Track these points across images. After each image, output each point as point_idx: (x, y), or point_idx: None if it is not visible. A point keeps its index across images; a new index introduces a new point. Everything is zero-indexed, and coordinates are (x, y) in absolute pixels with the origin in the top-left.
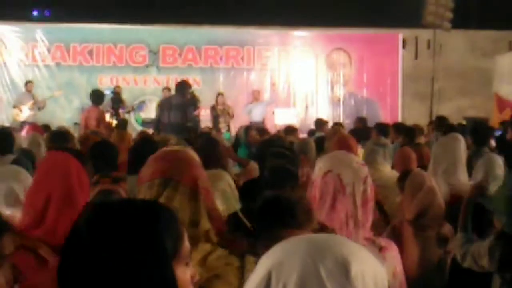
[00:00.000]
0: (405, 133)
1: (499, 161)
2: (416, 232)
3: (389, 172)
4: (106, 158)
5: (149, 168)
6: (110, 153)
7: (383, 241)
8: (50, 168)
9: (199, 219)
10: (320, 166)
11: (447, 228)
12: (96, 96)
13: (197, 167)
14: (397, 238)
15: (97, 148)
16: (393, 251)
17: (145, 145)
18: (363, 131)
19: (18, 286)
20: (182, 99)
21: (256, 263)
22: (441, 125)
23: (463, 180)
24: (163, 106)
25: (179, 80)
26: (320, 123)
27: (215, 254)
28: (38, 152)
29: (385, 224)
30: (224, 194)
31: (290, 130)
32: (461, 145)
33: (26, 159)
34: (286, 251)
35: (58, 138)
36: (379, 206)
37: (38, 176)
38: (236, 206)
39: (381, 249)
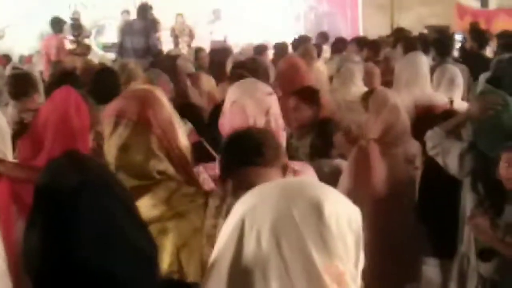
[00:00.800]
0: (369, 47)
1: (456, 71)
2: (382, 150)
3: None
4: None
5: (111, 105)
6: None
7: (297, 164)
8: (50, 101)
9: (149, 158)
10: (229, 95)
11: (414, 145)
12: (56, 23)
13: (154, 106)
14: (364, 157)
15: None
16: (308, 173)
17: (105, 76)
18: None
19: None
20: (143, 23)
21: (220, 199)
22: (399, 37)
23: (427, 91)
24: (124, 31)
25: (137, 2)
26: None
27: (179, 192)
28: None
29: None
30: None
31: (261, 48)
32: (423, 59)
33: None
34: (258, 196)
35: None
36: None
37: (39, 112)
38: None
39: (295, 172)
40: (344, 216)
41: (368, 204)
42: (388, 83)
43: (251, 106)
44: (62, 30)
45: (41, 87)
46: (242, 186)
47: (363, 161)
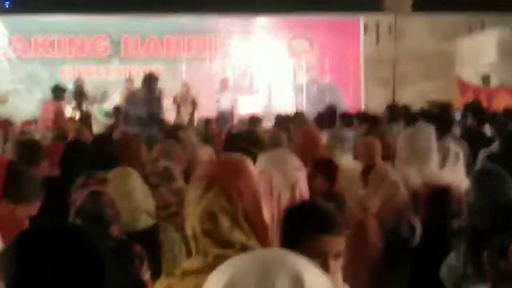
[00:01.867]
0: (370, 122)
1: (457, 148)
2: (380, 226)
3: (348, 163)
4: (108, 153)
5: (201, 170)
6: (111, 148)
7: None
8: None
9: (235, 227)
10: (258, 163)
11: (412, 220)
12: (56, 90)
13: (245, 177)
14: (362, 231)
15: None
16: None
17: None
18: (328, 118)
19: None
20: (147, 93)
21: None
22: (394, 116)
23: (435, 169)
24: (128, 99)
25: (141, 70)
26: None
27: None
28: None
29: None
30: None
31: (255, 120)
32: (428, 133)
33: None
34: (238, 269)
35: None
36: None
37: None
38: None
39: None
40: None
41: (364, 277)
42: (383, 158)
43: (278, 178)
44: (63, 96)
45: None
46: (312, 254)
47: (360, 235)
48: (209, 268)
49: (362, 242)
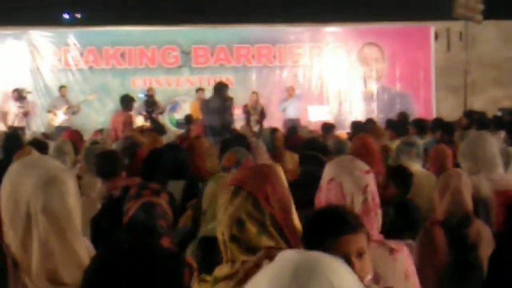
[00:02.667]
0: (443, 128)
1: None
2: (446, 233)
3: (417, 170)
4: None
5: (232, 175)
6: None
7: (393, 243)
8: None
9: (262, 233)
10: (326, 172)
11: (478, 225)
12: (125, 100)
13: (274, 183)
14: (429, 240)
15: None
16: (403, 252)
17: (172, 151)
18: (401, 125)
19: None
20: (219, 102)
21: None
22: (472, 120)
23: (503, 174)
24: (202, 109)
25: (211, 80)
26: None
27: None
28: (65, 159)
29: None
30: None
31: (328, 127)
32: (490, 140)
33: None
34: (270, 280)
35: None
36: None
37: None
38: None
39: (391, 251)
40: None
41: (433, 284)
42: (459, 165)
43: (348, 184)
44: (131, 106)
45: None
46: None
47: (428, 244)
48: (237, 274)
49: (430, 249)
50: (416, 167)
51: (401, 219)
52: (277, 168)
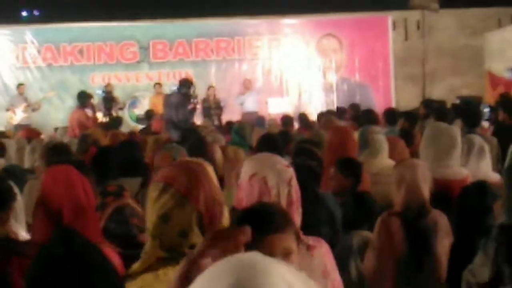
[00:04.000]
0: (406, 118)
1: (483, 142)
2: (403, 224)
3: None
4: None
5: (161, 171)
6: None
7: (311, 239)
8: (55, 183)
9: (187, 231)
10: (246, 169)
11: (435, 215)
12: (81, 97)
13: (204, 182)
14: (386, 229)
15: (121, 149)
16: (322, 248)
17: (128, 147)
18: (363, 117)
19: None
20: (179, 97)
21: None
22: (430, 110)
23: (454, 167)
24: (164, 103)
25: (171, 74)
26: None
27: None
28: (23, 158)
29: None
30: None
31: (288, 120)
32: (451, 134)
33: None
34: (211, 279)
35: (56, 152)
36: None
37: (43, 192)
38: None
39: (308, 247)
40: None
41: (391, 273)
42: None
43: (273, 177)
44: (88, 103)
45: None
46: None
47: (385, 235)
48: (150, 270)
49: (386, 240)
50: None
51: (358, 210)
52: (207, 166)
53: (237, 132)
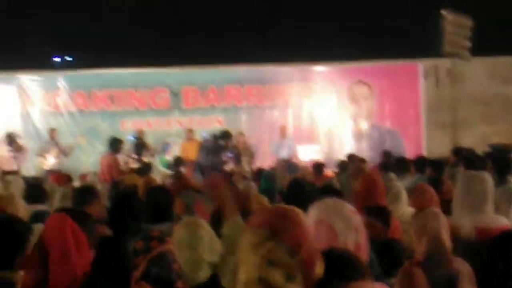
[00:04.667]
0: (432, 166)
1: None
2: (425, 274)
3: (408, 209)
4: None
5: (259, 216)
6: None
7: (378, 285)
8: (48, 228)
9: (290, 279)
10: (312, 214)
11: (458, 264)
12: (111, 142)
13: (306, 230)
14: (409, 280)
15: (151, 195)
16: None
17: (158, 193)
18: (391, 164)
19: None
20: (213, 143)
21: None
22: (461, 157)
23: (489, 214)
24: (200, 148)
25: (202, 121)
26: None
27: None
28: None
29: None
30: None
31: (319, 166)
32: (485, 181)
33: None
34: None
35: (81, 195)
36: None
37: (40, 237)
38: None
39: None
40: None
41: None
42: (450, 202)
43: (340, 224)
44: (119, 149)
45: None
46: None
47: (407, 284)
48: None
49: None
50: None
51: (385, 258)
52: (303, 214)
53: (266, 178)
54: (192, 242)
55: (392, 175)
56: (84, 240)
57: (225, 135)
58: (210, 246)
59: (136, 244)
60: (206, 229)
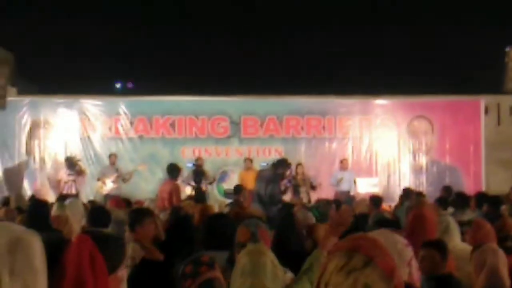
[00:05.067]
0: (489, 202)
1: None
2: None
3: (459, 244)
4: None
5: (346, 241)
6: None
7: None
8: (69, 249)
9: None
10: None
11: None
12: (171, 169)
13: (393, 257)
14: None
15: (212, 223)
16: None
17: (218, 221)
18: (448, 200)
19: None
20: (272, 173)
21: None
22: None
23: None
24: (257, 177)
25: (260, 150)
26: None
27: None
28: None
29: None
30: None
31: (377, 200)
32: None
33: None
34: None
35: (134, 215)
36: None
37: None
38: None
39: None
40: None
41: None
42: (506, 238)
43: (393, 257)
44: (178, 175)
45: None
46: None
47: None
48: None
49: None
50: (456, 241)
51: None
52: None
53: (317, 208)
54: (255, 269)
55: (447, 210)
56: (101, 266)
57: (283, 163)
58: (273, 274)
59: (186, 268)
60: (269, 257)
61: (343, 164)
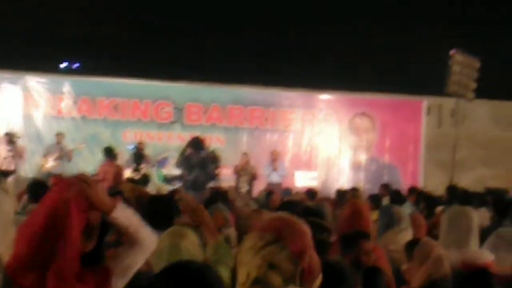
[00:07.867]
0: (426, 202)
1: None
2: None
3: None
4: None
5: (265, 221)
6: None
7: None
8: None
9: (288, 283)
10: None
11: None
12: (108, 151)
13: (308, 240)
14: None
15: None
16: None
17: (158, 204)
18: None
19: None
20: (201, 157)
21: None
22: (454, 195)
23: (476, 249)
24: (184, 163)
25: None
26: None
27: None
28: None
29: None
30: None
31: (312, 193)
32: (471, 217)
33: None
34: None
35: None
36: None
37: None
38: None
39: None
40: None
41: None
42: (435, 237)
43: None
44: (117, 157)
45: None
46: None
47: None
48: None
49: None
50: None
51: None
52: (307, 227)
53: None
54: (172, 251)
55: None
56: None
57: (198, 142)
58: (191, 256)
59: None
60: (190, 239)
61: (273, 156)
